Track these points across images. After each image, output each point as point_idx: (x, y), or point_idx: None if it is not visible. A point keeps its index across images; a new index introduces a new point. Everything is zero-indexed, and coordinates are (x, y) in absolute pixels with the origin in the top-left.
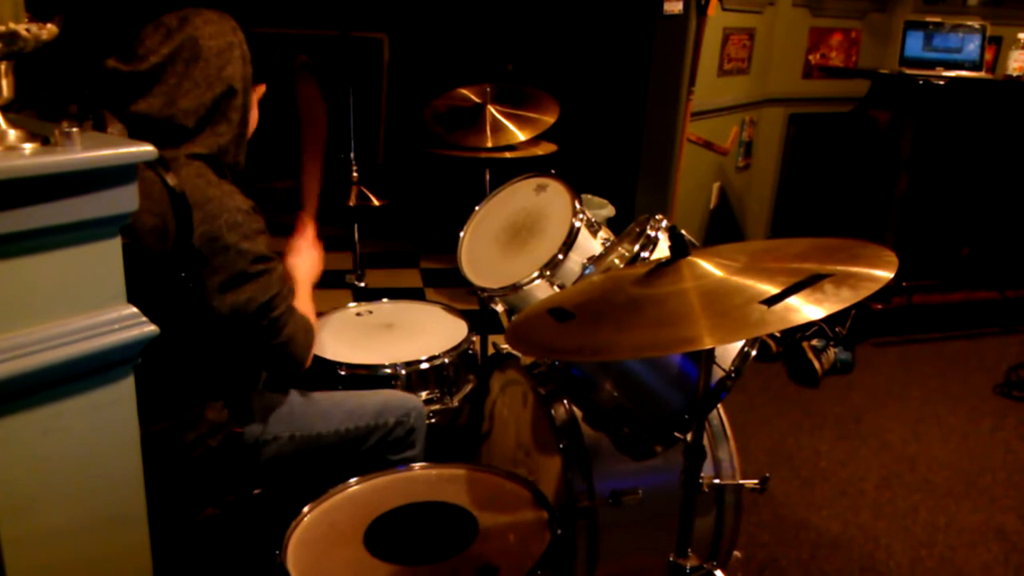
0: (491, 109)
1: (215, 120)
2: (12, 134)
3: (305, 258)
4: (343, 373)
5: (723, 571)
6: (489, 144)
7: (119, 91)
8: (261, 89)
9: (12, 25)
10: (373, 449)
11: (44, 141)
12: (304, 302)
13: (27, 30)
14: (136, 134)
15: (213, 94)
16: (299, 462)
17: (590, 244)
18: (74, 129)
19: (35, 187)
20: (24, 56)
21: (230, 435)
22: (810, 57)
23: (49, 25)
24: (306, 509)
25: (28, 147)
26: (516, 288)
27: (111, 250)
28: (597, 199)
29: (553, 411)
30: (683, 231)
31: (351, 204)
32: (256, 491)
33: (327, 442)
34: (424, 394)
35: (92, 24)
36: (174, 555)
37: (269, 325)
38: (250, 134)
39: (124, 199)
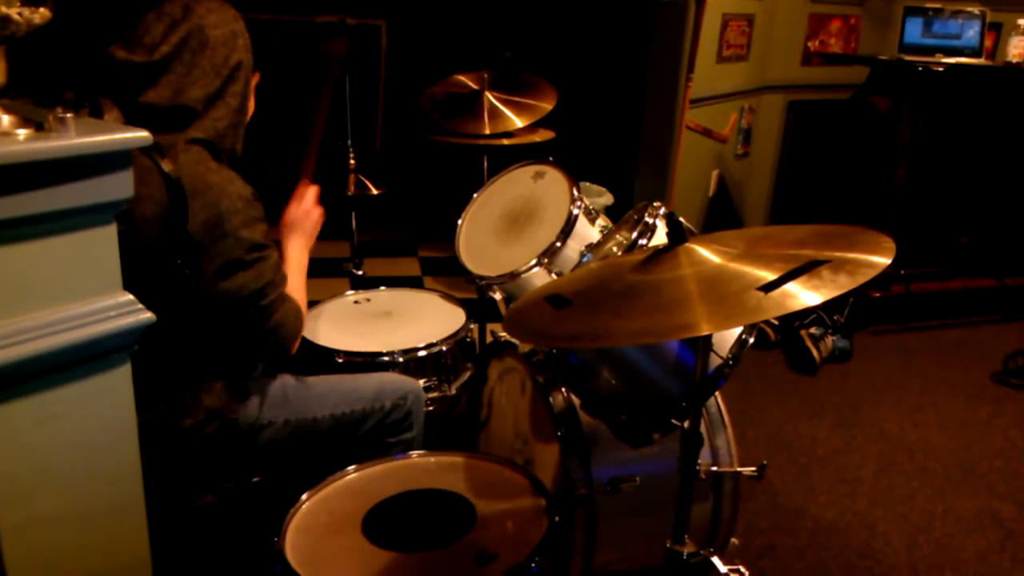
0: (489, 96)
1: (215, 105)
2: (6, 120)
3: (299, 219)
4: (340, 361)
5: (720, 558)
6: (487, 131)
7: (128, 81)
8: (257, 77)
9: (4, 9)
10: (370, 432)
11: (38, 127)
12: (296, 281)
13: (19, 14)
14: (141, 122)
15: (220, 80)
16: (296, 447)
17: (588, 231)
18: (68, 115)
19: (29, 173)
20: (17, 41)
21: (226, 421)
22: (809, 43)
23: (42, 9)
24: (304, 496)
25: (22, 133)
26: (514, 276)
27: (106, 237)
28: (595, 187)
29: (551, 399)
30: (681, 218)
31: (349, 192)
32: (254, 479)
33: (323, 426)
34: (422, 382)
35: (89, 9)
36: (172, 542)
37: (259, 312)
38: (246, 121)
39: (119, 185)
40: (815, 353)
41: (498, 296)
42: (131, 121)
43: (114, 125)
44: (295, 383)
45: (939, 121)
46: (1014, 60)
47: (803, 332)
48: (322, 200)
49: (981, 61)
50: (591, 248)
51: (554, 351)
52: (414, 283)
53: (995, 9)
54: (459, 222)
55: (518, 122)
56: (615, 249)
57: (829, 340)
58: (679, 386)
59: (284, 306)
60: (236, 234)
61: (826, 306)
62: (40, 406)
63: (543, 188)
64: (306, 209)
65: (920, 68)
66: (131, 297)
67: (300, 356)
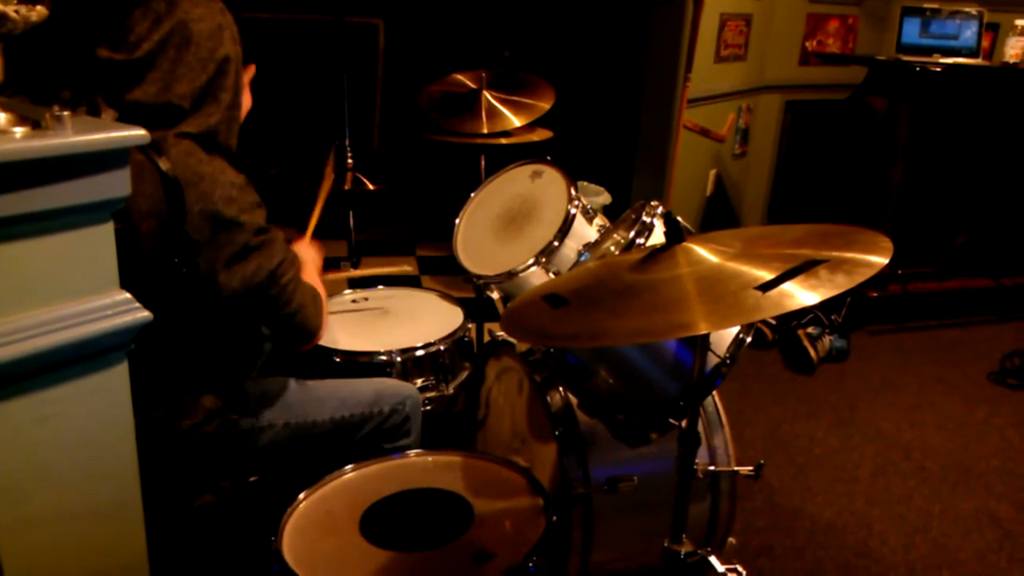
0: (487, 95)
1: (206, 101)
2: (3, 117)
3: (306, 249)
4: (338, 360)
5: (718, 557)
6: (485, 130)
7: (112, 80)
8: (251, 70)
9: (0, 6)
10: (368, 437)
11: (35, 125)
12: (311, 277)
13: (16, 11)
14: (130, 120)
15: (207, 75)
16: (294, 449)
17: (585, 231)
18: (65, 113)
19: (25, 171)
20: (14, 39)
21: (225, 423)
22: (807, 43)
23: (38, 7)
24: (302, 496)
25: (19, 131)
26: (512, 275)
27: (104, 235)
28: (593, 186)
29: (548, 398)
30: (679, 217)
31: (346, 190)
32: (252, 478)
33: (321, 430)
34: (419, 381)
35: (79, 8)
36: (170, 542)
37: (279, 293)
38: (243, 117)
39: (116, 184)
40: (812, 353)
41: (496, 295)
42: (122, 120)
43: (111, 123)
44: (295, 386)
45: (936, 121)
46: (1011, 60)
47: (800, 332)
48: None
49: (978, 61)
50: (589, 247)
51: (552, 350)
52: (412, 282)
53: (992, 9)
54: (457, 221)
55: (516, 121)
56: (613, 248)
57: (826, 340)
58: (677, 385)
59: (301, 287)
60: (237, 220)
61: (823, 306)
62: (37, 405)
63: (541, 187)
64: (306, 244)
65: (917, 68)
66: (128, 296)
67: (297, 355)
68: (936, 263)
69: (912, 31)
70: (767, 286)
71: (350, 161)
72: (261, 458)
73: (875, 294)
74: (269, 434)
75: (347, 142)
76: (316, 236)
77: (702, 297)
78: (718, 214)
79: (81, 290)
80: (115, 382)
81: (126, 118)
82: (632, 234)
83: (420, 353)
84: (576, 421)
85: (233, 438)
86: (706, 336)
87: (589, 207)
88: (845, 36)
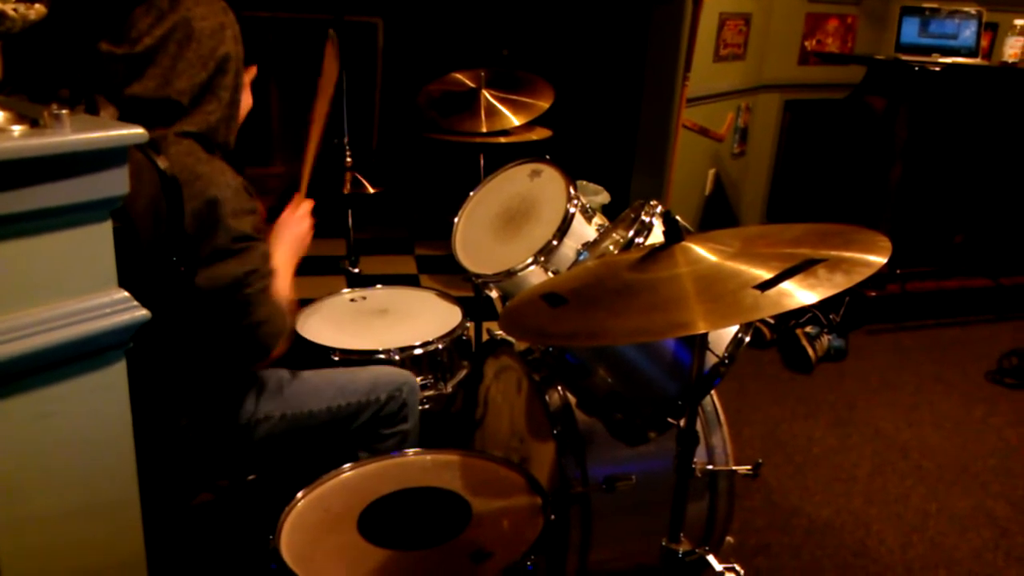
0: (486, 94)
1: (206, 98)
2: (1, 116)
3: (290, 226)
4: (336, 359)
5: (716, 556)
6: (484, 129)
7: (113, 74)
8: (252, 71)
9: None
10: (366, 425)
11: (33, 123)
12: (283, 278)
13: (15, 10)
14: (130, 116)
15: (207, 72)
16: (292, 441)
17: (584, 230)
18: (64, 111)
19: (24, 170)
20: (12, 37)
21: (223, 417)
22: (806, 43)
23: (37, 5)
24: (300, 494)
25: (17, 129)
26: (510, 274)
27: (102, 234)
28: (592, 185)
29: (547, 397)
30: (677, 217)
31: (345, 190)
32: (250, 477)
33: (319, 419)
34: (418, 380)
35: (81, 5)
36: (168, 540)
37: (242, 302)
38: (243, 116)
39: (114, 182)
40: (811, 352)
41: (494, 294)
42: (121, 116)
43: (110, 122)
44: (290, 377)
45: (935, 121)
46: (1010, 60)
47: (799, 331)
48: (319, 197)
49: (977, 61)
50: (588, 246)
51: (550, 349)
52: (410, 281)
53: (991, 9)
54: (455, 220)
55: (515, 120)
56: (611, 247)
57: (825, 339)
58: (675, 385)
59: (270, 301)
60: (223, 223)
61: (822, 305)
62: (36, 403)
63: (540, 186)
64: (299, 217)
65: (916, 68)
66: (126, 294)
67: (296, 354)
68: (935, 262)
69: (911, 31)
70: (766, 285)
71: (349, 160)
72: (259, 451)
73: (873, 293)
74: (267, 426)
75: (346, 141)
76: (316, 235)
77: (701, 296)
78: (717, 213)
79: (80, 288)
80: (114, 380)
81: (125, 113)
82: (631, 233)
83: (418, 352)
84: (574, 420)
85: (231, 432)
86: (705, 335)
87: (588, 206)
88: (844, 36)
